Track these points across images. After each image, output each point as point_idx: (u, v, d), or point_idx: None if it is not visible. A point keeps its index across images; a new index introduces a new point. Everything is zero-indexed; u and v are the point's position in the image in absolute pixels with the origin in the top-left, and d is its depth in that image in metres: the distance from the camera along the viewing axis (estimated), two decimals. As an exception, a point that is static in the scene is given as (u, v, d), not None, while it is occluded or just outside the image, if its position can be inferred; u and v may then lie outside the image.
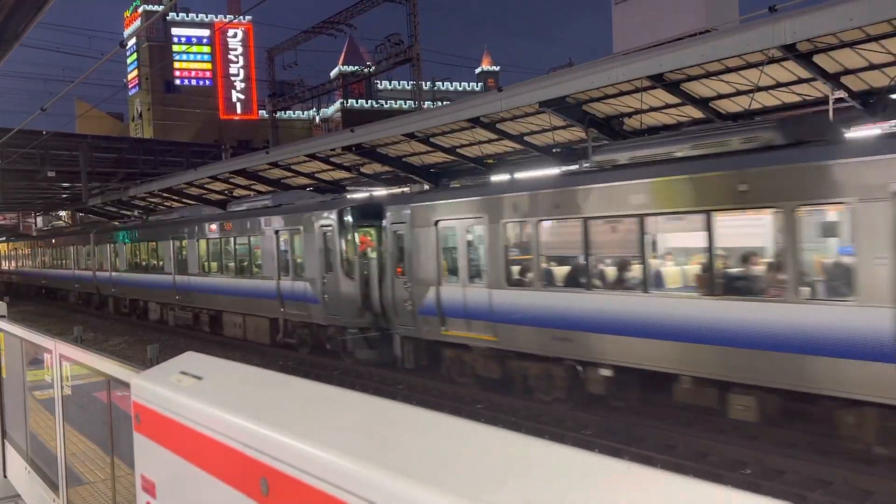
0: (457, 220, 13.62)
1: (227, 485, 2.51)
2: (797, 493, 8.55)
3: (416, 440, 2.05)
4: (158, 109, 75.51)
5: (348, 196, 22.88)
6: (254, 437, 2.35)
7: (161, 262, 25.63)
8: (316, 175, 25.05)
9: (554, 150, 17.96)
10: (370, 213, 16.65)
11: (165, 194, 33.72)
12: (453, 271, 13.80)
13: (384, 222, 15.53)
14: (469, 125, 17.19)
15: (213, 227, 22.16)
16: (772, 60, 11.81)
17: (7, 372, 7.43)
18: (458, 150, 19.82)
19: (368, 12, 46.58)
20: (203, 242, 22.82)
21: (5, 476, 7.45)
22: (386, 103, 76.04)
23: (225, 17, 79.11)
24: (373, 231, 16.85)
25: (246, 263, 20.76)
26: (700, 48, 11.80)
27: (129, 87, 78.43)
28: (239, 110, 78.82)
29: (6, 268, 50.75)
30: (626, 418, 11.31)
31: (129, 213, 40.20)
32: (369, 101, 76.47)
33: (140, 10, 75.04)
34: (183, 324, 24.60)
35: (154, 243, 26.52)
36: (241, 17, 75.36)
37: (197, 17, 78.60)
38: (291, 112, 73.49)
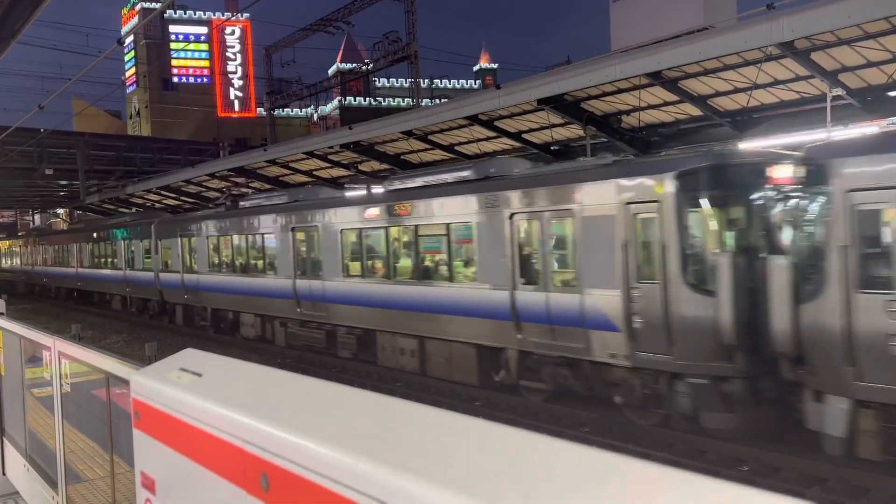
0: None
1: (227, 481, 2.52)
2: (794, 489, 8.58)
3: (417, 436, 2.05)
4: (156, 107, 75.35)
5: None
6: (254, 433, 2.36)
7: (271, 262, 19.65)
8: (314, 173, 25.03)
9: (552, 148, 17.98)
10: (741, 181, 10.38)
11: (164, 192, 33.71)
12: None
13: (829, 187, 8.68)
14: (467, 123, 17.18)
15: (374, 212, 15.90)
16: (770, 58, 11.81)
17: (5, 370, 7.43)
18: (456, 148, 19.82)
19: (366, 10, 46.62)
20: (351, 235, 16.62)
21: (4, 474, 7.46)
22: (384, 101, 75.87)
23: (223, 15, 78.93)
24: (758, 208, 10.44)
25: (433, 263, 14.79)
26: (698, 46, 11.80)
27: (127, 84, 78.20)
28: (237, 108, 78.58)
29: (31, 267, 45.26)
30: (623, 416, 11.32)
31: (126, 210, 40.12)
32: (367, 99, 76.31)
33: (138, 6, 74.90)
34: (305, 344, 18.55)
35: (257, 237, 20.25)
36: (239, 14, 75.19)
37: (195, 14, 78.36)
38: (289, 110, 73.39)
